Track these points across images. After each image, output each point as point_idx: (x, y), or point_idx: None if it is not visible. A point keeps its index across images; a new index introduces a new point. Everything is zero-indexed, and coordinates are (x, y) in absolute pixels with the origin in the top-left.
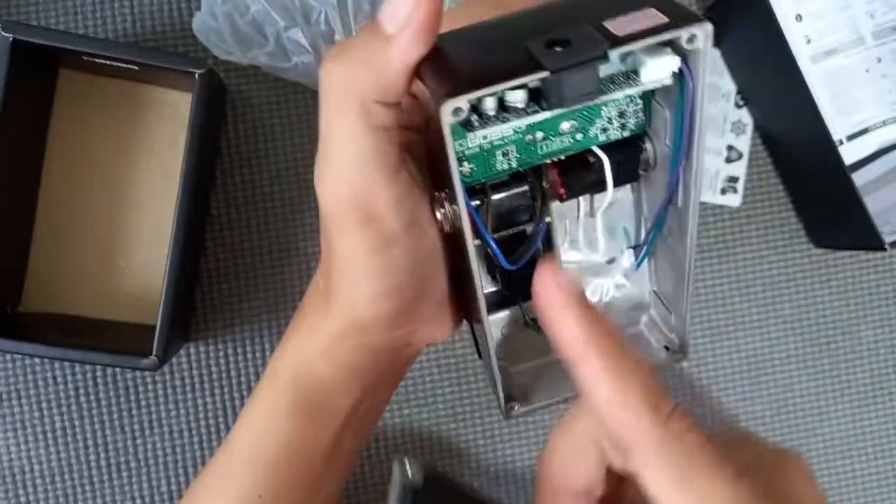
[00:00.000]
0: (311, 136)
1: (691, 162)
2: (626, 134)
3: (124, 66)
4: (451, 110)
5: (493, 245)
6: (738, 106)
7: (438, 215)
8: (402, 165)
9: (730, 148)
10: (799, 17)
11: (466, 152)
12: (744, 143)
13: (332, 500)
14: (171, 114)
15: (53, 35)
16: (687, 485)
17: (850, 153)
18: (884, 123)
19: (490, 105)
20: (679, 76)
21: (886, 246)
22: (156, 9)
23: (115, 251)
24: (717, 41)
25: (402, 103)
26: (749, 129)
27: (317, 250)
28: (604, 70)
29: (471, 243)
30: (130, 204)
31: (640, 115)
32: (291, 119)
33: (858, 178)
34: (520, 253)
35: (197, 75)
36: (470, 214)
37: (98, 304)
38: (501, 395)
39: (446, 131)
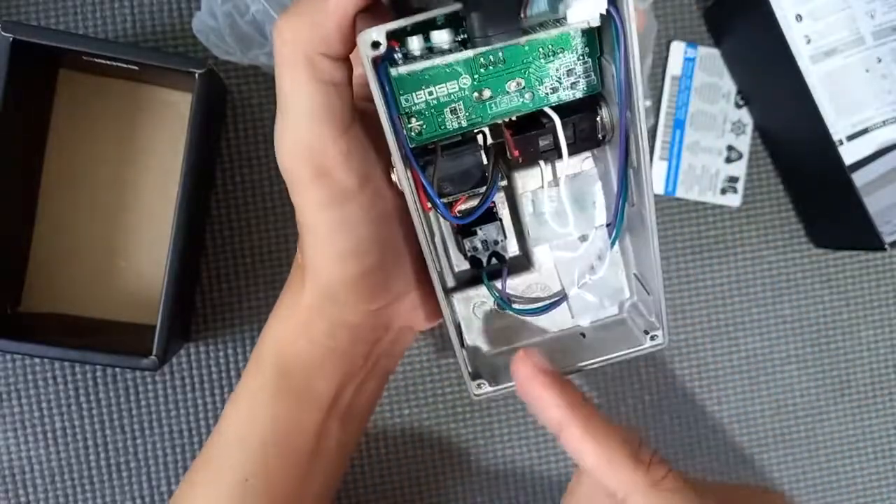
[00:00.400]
0: None
1: (634, 112)
2: (577, 94)
3: (124, 66)
4: (369, 42)
5: (430, 190)
6: (738, 106)
7: (393, 177)
8: (354, 123)
9: (730, 148)
10: (799, 17)
11: (413, 108)
12: (744, 143)
13: (323, 493)
14: (171, 114)
15: (53, 35)
16: None
17: (850, 153)
18: (884, 123)
19: (416, 45)
20: (610, 19)
21: (886, 246)
22: (156, 9)
23: (115, 251)
24: (717, 41)
25: (352, 62)
26: (749, 129)
27: None
28: (536, 17)
29: (408, 183)
30: (130, 204)
31: (592, 74)
32: None
33: (858, 178)
34: (471, 209)
35: (197, 75)
36: (402, 146)
37: (98, 304)
38: (466, 370)
39: (367, 64)
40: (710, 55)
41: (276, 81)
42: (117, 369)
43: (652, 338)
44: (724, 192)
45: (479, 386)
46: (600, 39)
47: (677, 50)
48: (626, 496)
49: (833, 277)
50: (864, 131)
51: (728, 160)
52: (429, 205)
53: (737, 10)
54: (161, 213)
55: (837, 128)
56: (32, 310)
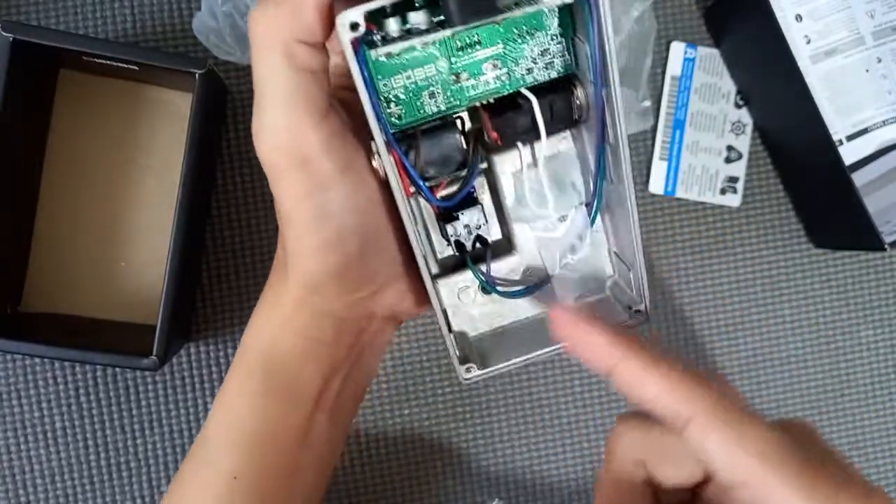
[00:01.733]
0: None
1: (610, 88)
2: (552, 74)
3: (124, 66)
4: (347, 24)
5: (412, 171)
6: (738, 106)
7: (375, 164)
8: (333, 111)
9: (730, 148)
10: (799, 17)
11: (392, 93)
12: (744, 143)
13: (312, 488)
14: (171, 114)
15: (53, 35)
16: (742, 438)
17: (850, 153)
18: (884, 123)
19: (393, 27)
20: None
21: (886, 246)
22: (156, 9)
23: (115, 251)
24: (717, 41)
25: (337, 56)
26: (749, 129)
27: None
28: None
29: (391, 168)
30: (130, 204)
31: (566, 54)
32: None
33: (858, 178)
34: (453, 193)
35: (197, 75)
36: (384, 130)
37: (98, 304)
38: (454, 354)
39: (346, 46)
40: (709, 55)
41: (253, 70)
42: (117, 369)
43: (635, 312)
44: (723, 192)
45: (468, 370)
46: (573, 19)
47: (677, 50)
48: (690, 421)
49: (833, 277)
50: (864, 131)
51: (728, 160)
52: (412, 189)
53: (737, 11)
54: (161, 213)
55: (837, 128)
56: (32, 310)
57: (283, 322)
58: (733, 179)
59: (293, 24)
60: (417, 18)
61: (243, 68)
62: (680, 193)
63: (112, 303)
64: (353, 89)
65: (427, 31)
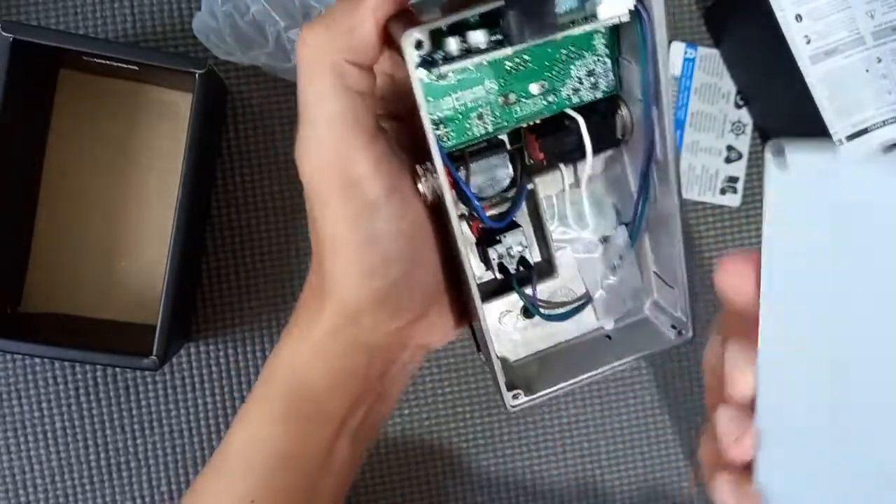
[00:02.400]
0: None
1: (661, 106)
2: (598, 95)
3: (124, 66)
4: (413, 42)
5: (468, 192)
6: (738, 106)
7: (421, 187)
8: (380, 134)
9: (730, 148)
10: (799, 18)
11: (441, 115)
12: (744, 143)
13: None
14: (171, 114)
15: (53, 35)
16: None
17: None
18: (884, 123)
19: (453, 46)
20: (637, 16)
21: None
22: (156, 9)
23: (115, 251)
24: (717, 41)
25: (378, 79)
26: (749, 129)
27: None
28: (566, 16)
29: (447, 187)
30: (130, 204)
31: (611, 74)
32: (291, 119)
33: None
34: (502, 214)
35: (197, 75)
36: (445, 165)
37: (98, 304)
38: (502, 381)
39: (411, 67)
40: (709, 55)
41: (300, 91)
42: (117, 369)
43: (679, 332)
44: (723, 192)
45: (514, 397)
46: (619, 40)
47: (677, 50)
48: None
49: None
50: (864, 131)
51: (728, 160)
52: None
53: (737, 11)
54: (161, 213)
55: (837, 128)
56: (32, 310)
57: (313, 350)
58: (733, 179)
59: (346, 45)
60: (477, 38)
61: (243, 68)
62: None
63: (112, 303)
64: (397, 119)
65: (486, 51)
